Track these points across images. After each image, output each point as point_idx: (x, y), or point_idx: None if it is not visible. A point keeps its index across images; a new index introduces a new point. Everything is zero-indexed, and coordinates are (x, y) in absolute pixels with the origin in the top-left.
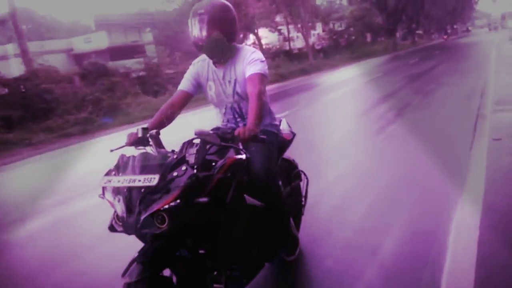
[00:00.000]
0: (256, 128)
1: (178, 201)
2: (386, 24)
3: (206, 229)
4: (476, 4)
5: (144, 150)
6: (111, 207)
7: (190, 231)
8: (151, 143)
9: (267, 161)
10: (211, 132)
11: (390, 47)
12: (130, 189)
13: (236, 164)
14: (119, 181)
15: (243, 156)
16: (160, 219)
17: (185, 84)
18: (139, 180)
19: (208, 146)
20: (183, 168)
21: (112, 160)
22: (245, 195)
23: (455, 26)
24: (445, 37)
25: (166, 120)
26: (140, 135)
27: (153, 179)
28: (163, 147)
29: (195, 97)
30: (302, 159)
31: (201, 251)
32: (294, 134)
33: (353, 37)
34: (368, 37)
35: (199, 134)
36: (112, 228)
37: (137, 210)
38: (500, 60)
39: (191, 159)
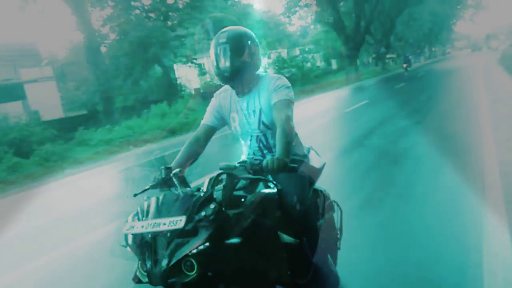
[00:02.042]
0: (286, 156)
1: (208, 244)
2: (346, 48)
3: (239, 274)
4: (454, 26)
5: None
6: (134, 256)
7: (221, 277)
8: (175, 183)
9: (299, 192)
10: (237, 164)
11: (352, 76)
12: (155, 234)
13: (267, 199)
14: (142, 227)
15: (274, 190)
16: (189, 266)
17: (208, 118)
18: (164, 224)
19: (235, 181)
20: (212, 206)
21: None
22: (279, 232)
23: (433, 49)
24: (404, 65)
25: (191, 157)
26: (163, 175)
27: (180, 221)
28: (189, 186)
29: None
30: None
31: None
32: (324, 163)
33: (308, 64)
34: (334, 64)
35: (225, 169)
36: (136, 279)
37: (163, 257)
38: (497, 106)
39: (218, 196)
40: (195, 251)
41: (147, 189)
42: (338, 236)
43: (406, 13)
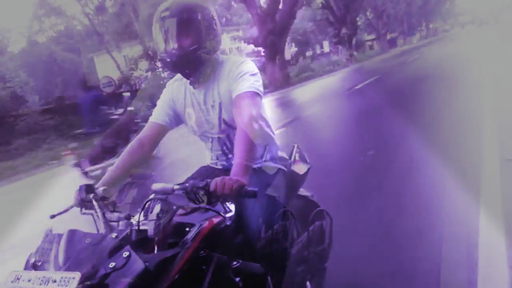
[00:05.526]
0: (245, 173)
1: None
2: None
3: None
4: None
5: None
6: None
7: None
8: (95, 209)
9: (268, 216)
10: (176, 187)
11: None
12: None
13: (216, 232)
14: (29, 280)
15: (229, 215)
16: None
17: (158, 114)
18: (54, 281)
19: (174, 208)
20: (124, 254)
21: None
22: (239, 261)
23: (430, 26)
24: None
25: (131, 166)
26: (82, 196)
27: (72, 281)
28: (118, 210)
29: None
30: None
31: None
32: (308, 167)
33: None
34: None
35: (160, 192)
36: None
37: None
38: None
39: (150, 228)
40: None
41: (66, 210)
42: (326, 252)
43: None
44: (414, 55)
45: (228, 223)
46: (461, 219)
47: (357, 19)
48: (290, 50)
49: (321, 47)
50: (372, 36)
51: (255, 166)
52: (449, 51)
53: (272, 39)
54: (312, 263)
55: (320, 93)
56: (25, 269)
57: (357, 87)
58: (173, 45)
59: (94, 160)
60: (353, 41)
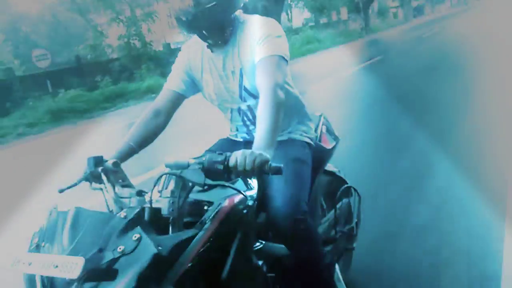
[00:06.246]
0: (268, 147)
1: None
2: None
3: None
4: None
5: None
6: None
7: None
8: (104, 182)
9: (294, 192)
10: (191, 161)
11: None
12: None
13: (237, 211)
14: (30, 264)
15: (252, 192)
16: None
17: (173, 81)
18: (56, 266)
19: (189, 185)
20: (134, 237)
21: None
22: (262, 242)
23: None
24: None
25: (145, 138)
26: (91, 169)
27: (75, 266)
28: (129, 185)
29: None
30: None
31: None
32: (337, 140)
33: None
34: None
35: (173, 167)
36: None
37: None
38: None
39: (164, 206)
40: None
41: (75, 184)
42: (354, 232)
43: None
44: (435, 27)
45: (250, 203)
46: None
47: None
48: (302, 15)
49: (338, 13)
50: (396, 4)
51: (279, 138)
52: (478, 24)
53: (265, 5)
54: (339, 243)
55: (307, 72)
56: (28, 250)
57: (348, 72)
58: (188, 1)
59: None
60: (371, 9)
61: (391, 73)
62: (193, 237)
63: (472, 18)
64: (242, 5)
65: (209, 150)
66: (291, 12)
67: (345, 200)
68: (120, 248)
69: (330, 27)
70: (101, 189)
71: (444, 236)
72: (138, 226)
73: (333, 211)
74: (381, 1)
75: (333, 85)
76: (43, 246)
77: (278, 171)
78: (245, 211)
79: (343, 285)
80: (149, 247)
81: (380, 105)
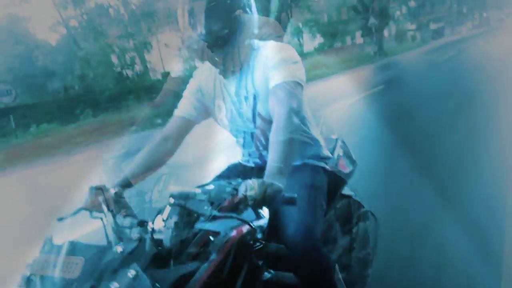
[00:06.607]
0: (281, 175)
1: None
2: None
3: None
4: None
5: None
6: None
7: None
8: (104, 212)
9: (308, 220)
10: (197, 191)
11: None
12: None
13: (245, 242)
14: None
15: (262, 222)
16: None
17: (183, 107)
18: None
19: (194, 216)
20: (130, 274)
21: None
22: (272, 272)
23: (484, 14)
24: None
25: (152, 164)
26: (92, 197)
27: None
28: (131, 215)
29: None
30: None
31: None
32: (355, 164)
33: None
34: None
35: (178, 197)
36: None
37: None
38: None
39: (167, 238)
40: None
41: (75, 213)
42: (370, 257)
43: None
44: (451, 51)
45: (259, 236)
46: None
47: (393, 8)
48: (313, 42)
49: (353, 37)
50: (414, 26)
51: (293, 164)
52: (499, 47)
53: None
54: (354, 269)
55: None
56: (19, 285)
57: (352, 100)
58: (201, 29)
59: None
60: (387, 32)
61: (394, 100)
62: (195, 270)
63: (493, 39)
64: (256, 32)
65: (219, 176)
66: (302, 38)
67: (361, 225)
68: (114, 286)
69: (342, 51)
70: (101, 218)
71: (445, 236)
72: (135, 263)
73: (348, 236)
74: (399, 23)
75: (332, 112)
76: (35, 281)
77: (291, 201)
78: (253, 242)
79: None
80: (146, 284)
81: (381, 136)
